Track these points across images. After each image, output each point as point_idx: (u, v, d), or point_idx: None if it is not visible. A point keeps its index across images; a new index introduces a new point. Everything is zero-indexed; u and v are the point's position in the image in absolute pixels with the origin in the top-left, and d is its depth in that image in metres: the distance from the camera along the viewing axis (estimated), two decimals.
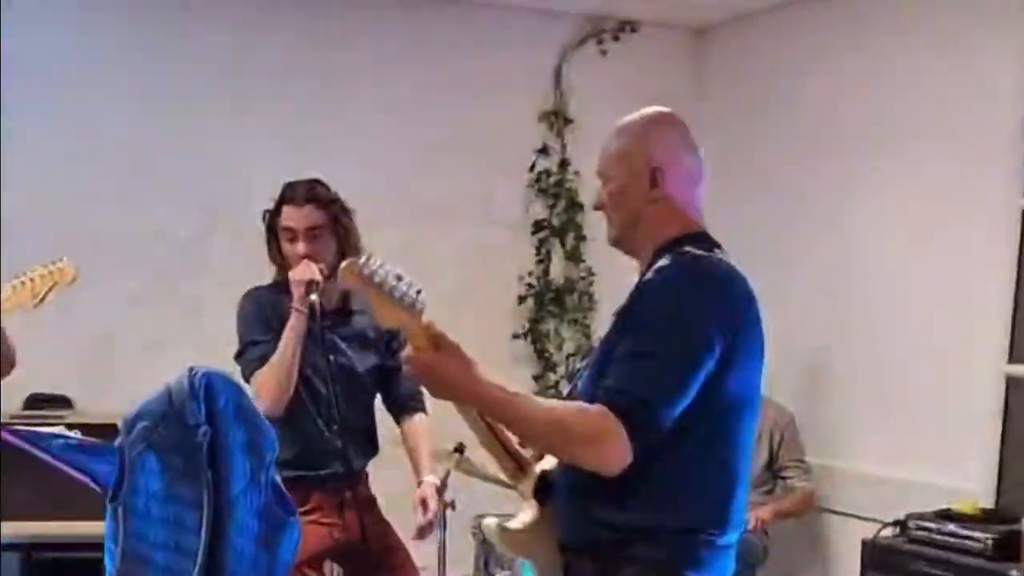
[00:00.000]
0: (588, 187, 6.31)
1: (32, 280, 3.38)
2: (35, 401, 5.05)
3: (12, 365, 3.62)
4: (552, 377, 6.26)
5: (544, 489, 2.56)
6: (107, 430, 2.79)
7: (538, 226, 6.28)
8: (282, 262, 3.75)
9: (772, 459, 5.41)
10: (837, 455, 5.53)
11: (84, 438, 2.88)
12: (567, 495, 2.49)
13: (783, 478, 5.43)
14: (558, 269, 6.31)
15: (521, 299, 6.23)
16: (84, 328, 5.26)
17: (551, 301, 6.26)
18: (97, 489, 2.87)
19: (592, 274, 6.28)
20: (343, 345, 3.78)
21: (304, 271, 3.61)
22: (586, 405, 2.34)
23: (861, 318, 5.47)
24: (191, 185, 5.59)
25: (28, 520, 4.58)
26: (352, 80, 5.92)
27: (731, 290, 2.45)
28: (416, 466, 3.97)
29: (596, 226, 6.32)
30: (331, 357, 3.69)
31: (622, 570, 2.40)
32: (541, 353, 6.25)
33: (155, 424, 2.40)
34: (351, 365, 3.79)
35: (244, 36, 5.72)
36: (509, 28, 6.19)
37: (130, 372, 4.96)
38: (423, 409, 3.97)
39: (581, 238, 6.27)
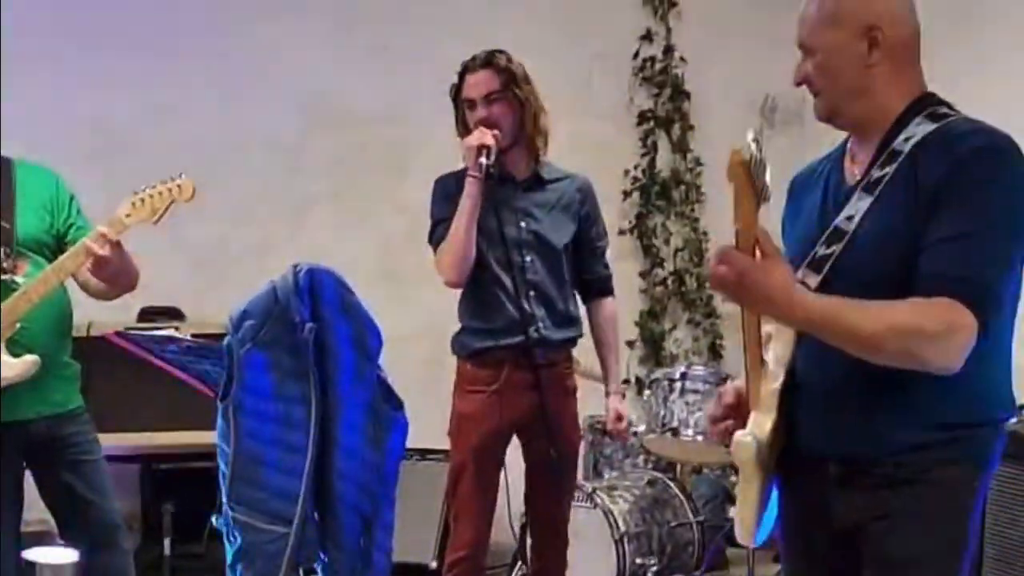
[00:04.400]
0: (695, 74, 6.14)
1: (151, 197, 3.39)
2: (147, 314, 5.07)
3: (134, 284, 3.61)
4: (660, 273, 6.14)
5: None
6: (218, 338, 2.77)
7: (643, 117, 6.12)
8: (466, 135, 3.66)
9: None
10: None
11: (193, 340, 2.88)
12: (845, 402, 2.20)
13: None
14: (664, 161, 6.14)
15: (626, 194, 6.09)
16: (192, 239, 5.26)
17: (658, 195, 6.12)
18: (208, 391, 2.87)
19: (700, 165, 6.11)
20: (537, 212, 3.71)
21: (475, 137, 3.57)
22: (923, 300, 2.07)
23: None
24: (291, 89, 5.49)
25: (144, 432, 4.66)
26: None
27: None
28: (605, 368, 3.90)
29: (703, 115, 6.21)
30: (523, 223, 3.66)
31: (933, 472, 2.15)
32: (648, 249, 6.13)
33: (261, 322, 2.38)
34: (544, 233, 3.70)
35: None
36: None
37: (239, 280, 4.92)
38: (612, 292, 3.90)
39: (688, 128, 6.10)
